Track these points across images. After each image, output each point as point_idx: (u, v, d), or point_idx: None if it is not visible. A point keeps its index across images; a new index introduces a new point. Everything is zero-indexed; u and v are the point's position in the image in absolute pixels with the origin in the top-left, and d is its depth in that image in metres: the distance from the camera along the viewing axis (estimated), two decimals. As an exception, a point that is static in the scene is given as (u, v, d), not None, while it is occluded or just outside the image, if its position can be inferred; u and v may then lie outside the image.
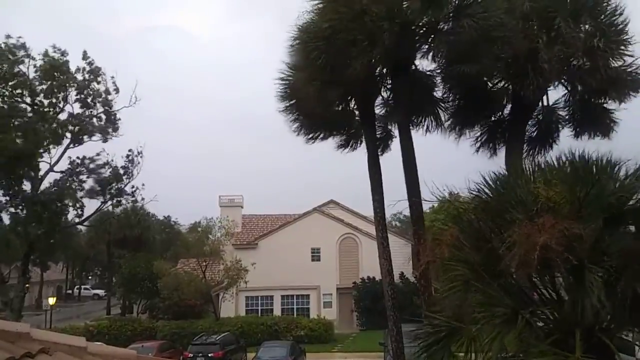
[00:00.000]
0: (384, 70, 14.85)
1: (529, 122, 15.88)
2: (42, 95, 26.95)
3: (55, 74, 26.62)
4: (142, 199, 31.75)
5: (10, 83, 25.95)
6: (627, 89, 14.14)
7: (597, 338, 5.76)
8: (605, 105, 15.02)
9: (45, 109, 27.33)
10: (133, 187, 30.79)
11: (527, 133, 16.00)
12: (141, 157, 30.39)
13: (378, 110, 16.89)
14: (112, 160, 29.83)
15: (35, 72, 26.71)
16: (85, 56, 28.08)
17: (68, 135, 28.21)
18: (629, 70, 13.87)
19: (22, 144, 25.18)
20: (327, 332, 29.50)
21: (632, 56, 13.40)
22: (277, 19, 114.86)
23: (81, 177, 29.41)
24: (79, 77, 28.09)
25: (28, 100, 26.82)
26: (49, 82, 26.68)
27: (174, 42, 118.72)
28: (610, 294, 5.44)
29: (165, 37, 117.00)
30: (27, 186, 27.58)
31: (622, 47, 13.19)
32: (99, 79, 28.48)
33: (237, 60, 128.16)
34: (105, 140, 29.25)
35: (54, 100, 27.50)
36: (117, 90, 28.95)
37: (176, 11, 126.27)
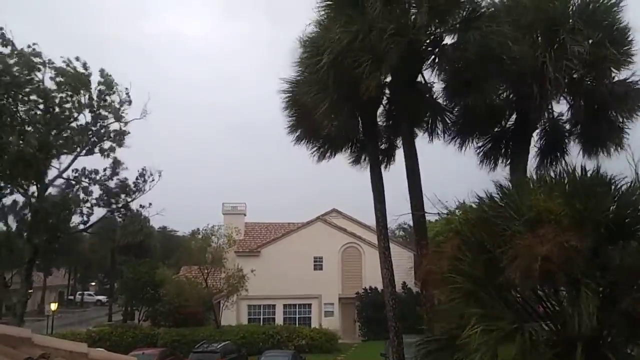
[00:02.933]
0: (387, 82, 14.89)
1: (536, 134, 15.81)
2: (57, 102, 27.30)
3: (73, 84, 26.97)
4: (147, 215, 32.13)
5: (25, 89, 26.29)
6: (634, 104, 14.01)
7: (600, 353, 5.71)
8: (612, 119, 14.69)
9: (61, 116, 27.68)
10: (141, 205, 31.22)
11: (536, 145, 15.93)
12: (159, 176, 30.76)
13: (380, 122, 16.97)
14: (118, 172, 30.13)
15: (55, 77, 27.04)
16: (102, 73, 28.60)
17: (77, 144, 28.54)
18: (635, 82, 13.81)
19: (35, 151, 25.36)
20: (330, 342, 29.31)
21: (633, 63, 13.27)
22: (274, 21, 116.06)
23: (87, 185, 29.72)
24: (95, 88, 28.53)
25: (42, 107, 27.13)
26: (66, 91, 27.00)
27: (172, 49, 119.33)
28: (611, 308, 5.40)
29: (163, 44, 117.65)
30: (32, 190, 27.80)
31: (628, 59, 13.11)
32: (114, 89, 28.87)
33: (238, 66, 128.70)
34: (107, 155, 29.48)
35: (66, 112, 27.83)
36: (130, 102, 29.28)
37: (169, 17, 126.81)
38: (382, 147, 17.50)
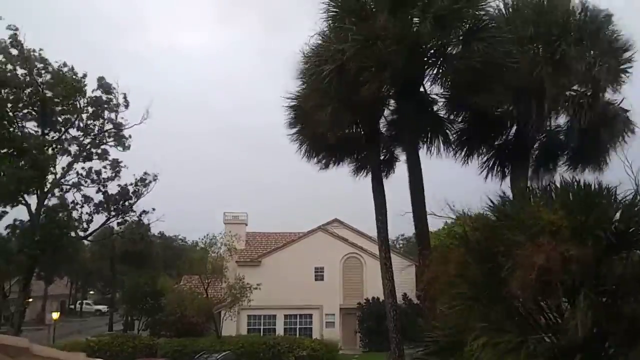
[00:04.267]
0: (391, 92, 14.93)
1: (535, 146, 15.85)
2: (53, 107, 27.42)
3: (70, 89, 27.08)
4: (148, 221, 32.01)
5: (27, 90, 26.46)
6: (622, 128, 14.21)
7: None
8: (601, 138, 14.86)
9: (59, 124, 27.80)
10: (143, 210, 31.15)
11: (532, 156, 15.97)
12: (156, 180, 30.78)
13: (383, 133, 17.00)
14: (119, 177, 30.06)
15: (50, 79, 27.19)
16: (100, 81, 28.73)
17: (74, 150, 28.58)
18: (623, 109, 14.01)
19: (30, 170, 25.40)
20: (330, 353, 29.08)
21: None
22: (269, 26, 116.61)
23: (87, 188, 29.65)
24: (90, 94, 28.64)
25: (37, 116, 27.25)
26: (61, 97, 27.12)
27: (172, 59, 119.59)
28: (612, 317, 5.38)
29: (162, 54, 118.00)
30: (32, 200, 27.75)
31: (621, 77, 13.28)
32: (112, 95, 28.98)
33: (235, 71, 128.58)
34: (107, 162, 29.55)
35: (61, 119, 27.92)
36: (127, 105, 29.37)
37: (167, 27, 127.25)
38: (384, 157, 17.52)
